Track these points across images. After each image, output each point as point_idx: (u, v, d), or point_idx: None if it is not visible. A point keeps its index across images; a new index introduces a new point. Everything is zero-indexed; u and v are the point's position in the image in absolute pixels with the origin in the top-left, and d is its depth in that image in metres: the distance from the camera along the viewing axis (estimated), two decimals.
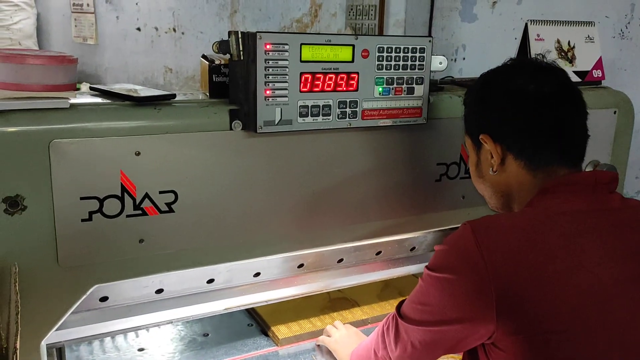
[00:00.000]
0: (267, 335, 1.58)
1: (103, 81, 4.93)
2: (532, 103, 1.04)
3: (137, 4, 4.69)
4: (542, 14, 2.45)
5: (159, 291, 1.33)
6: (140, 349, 1.49)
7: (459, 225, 1.33)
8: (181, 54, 4.42)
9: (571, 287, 0.90)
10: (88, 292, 1.11)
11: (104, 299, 1.28)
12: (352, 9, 3.05)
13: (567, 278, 0.90)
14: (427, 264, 1.02)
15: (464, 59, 2.81)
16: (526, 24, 1.63)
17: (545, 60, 1.11)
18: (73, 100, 1.06)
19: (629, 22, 2.25)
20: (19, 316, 0.78)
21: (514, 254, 0.92)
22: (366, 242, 1.50)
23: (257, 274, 1.45)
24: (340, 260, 1.57)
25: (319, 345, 1.53)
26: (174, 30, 4.43)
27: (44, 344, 1.11)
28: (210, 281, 1.39)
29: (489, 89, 1.11)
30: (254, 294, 1.47)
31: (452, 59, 2.87)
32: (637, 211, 1.03)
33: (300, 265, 1.50)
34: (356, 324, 1.61)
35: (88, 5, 4.90)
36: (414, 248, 1.66)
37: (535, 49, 1.63)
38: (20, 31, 4.94)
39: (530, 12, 2.51)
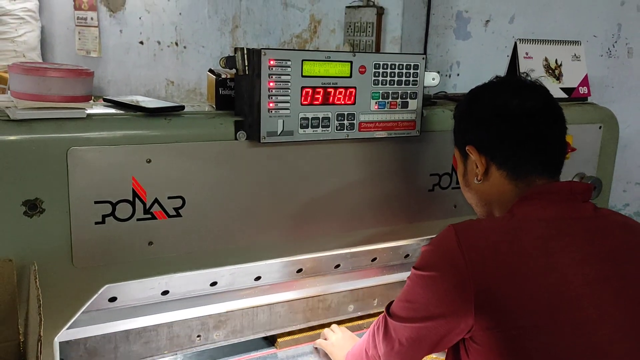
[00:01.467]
0: (266, 338, 1.64)
1: (106, 93, 5.03)
2: (515, 117, 1.11)
3: (140, 18, 4.79)
4: (532, 32, 2.54)
5: (165, 292, 1.40)
6: None
7: None
8: (183, 68, 4.51)
9: (544, 285, 0.97)
10: (99, 292, 1.18)
11: (112, 299, 1.35)
12: (350, 26, 3.14)
13: (540, 277, 0.97)
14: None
15: (458, 75, 2.90)
16: (515, 43, 1.71)
17: (529, 78, 1.18)
18: (89, 111, 1.13)
19: (615, 42, 2.34)
20: (41, 308, 0.85)
21: (493, 254, 0.99)
22: (362, 249, 1.57)
23: (258, 278, 1.52)
24: (337, 266, 1.64)
25: (316, 348, 1.59)
26: (176, 44, 4.53)
27: (57, 340, 1.17)
28: (214, 284, 1.45)
29: (475, 103, 1.19)
30: (254, 297, 1.54)
31: (446, 75, 2.96)
32: (607, 219, 1.11)
33: (299, 270, 1.56)
34: (352, 328, 1.67)
35: (92, 19, 4.99)
36: (407, 255, 1.73)
37: (524, 66, 1.71)
38: (25, 43, 5.03)
39: (522, 31, 2.61)
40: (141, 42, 4.82)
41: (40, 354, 0.79)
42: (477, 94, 1.20)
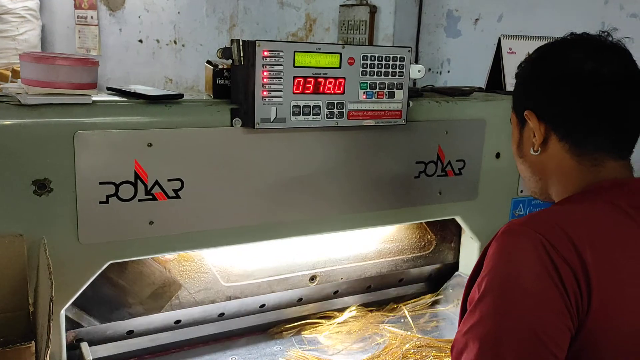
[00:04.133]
0: None
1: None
2: (588, 83, 0.95)
3: (139, 17, 4.86)
4: (520, 30, 2.62)
5: (177, 322, 1.51)
6: None
7: (436, 218, 1.47)
8: (181, 66, 4.59)
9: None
10: (103, 267, 1.25)
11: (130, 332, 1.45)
12: (344, 24, 3.23)
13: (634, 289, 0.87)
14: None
15: (448, 72, 2.98)
16: (499, 39, 1.79)
17: (610, 38, 0.99)
18: (95, 97, 1.21)
19: None
20: (52, 274, 0.92)
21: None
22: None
23: (262, 306, 1.62)
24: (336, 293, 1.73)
25: None
26: (175, 42, 4.60)
27: (63, 312, 1.25)
28: (221, 315, 1.56)
29: (541, 63, 1.02)
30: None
31: (437, 72, 3.05)
32: None
33: (300, 300, 1.67)
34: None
35: (92, 17, 5.07)
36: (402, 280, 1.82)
37: (507, 61, 1.80)
38: (26, 42, 5.10)
39: (510, 29, 2.69)
40: (140, 41, 4.90)
41: (52, 312, 0.87)
42: (545, 51, 1.03)
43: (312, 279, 1.64)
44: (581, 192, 0.96)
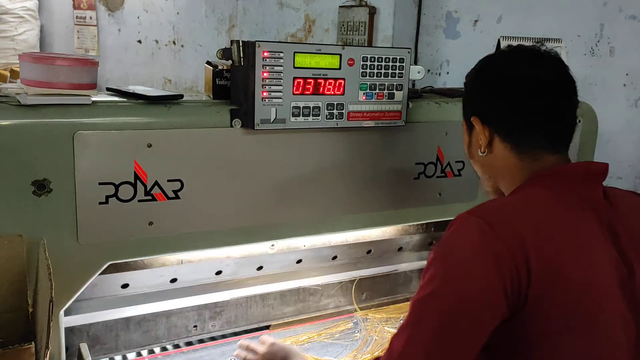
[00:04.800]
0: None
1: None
2: (524, 87, 1.05)
3: (138, 17, 4.86)
4: (519, 32, 2.63)
5: (173, 280, 1.49)
6: None
7: (436, 220, 1.48)
8: (180, 66, 4.59)
9: (572, 278, 0.93)
10: (102, 268, 1.25)
11: (125, 285, 1.44)
12: (343, 25, 3.23)
13: (568, 267, 0.93)
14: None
15: (447, 73, 2.99)
16: (499, 40, 1.79)
17: (543, 47, 1.10)
18: (94, 98, 1.21)
19: (598, 41, 2.43)
20: (51, 275, 0.92)
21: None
22: (359, 240, 1.67)
23: (260, 268, 1.60)
24: (335, 257, 1.72)
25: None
26: (174, 43, 4.60)
27: (62, 313, 1.25)
28: (219, 273, 1.54)
29: (483, 72, 1.13)
30: (256, 286, 1.64)
31: (437, 73, 3.05)
32: (625, 200, 1.07)
33: (299, 261, 1.65)
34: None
35: (91, 18, 5.06)
36: (401, 248, 1.82)
37: None
38: (24, 42, 5.09)
39: (509, 31, 2.69)
40: (139, 41, 4.90)
41: (52, 313, 0.87)
42: (485, 63, 1.14)
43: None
44: (523, 183, 1.07)
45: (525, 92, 1.05)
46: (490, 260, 0.89)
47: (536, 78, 1.05)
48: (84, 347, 1.38)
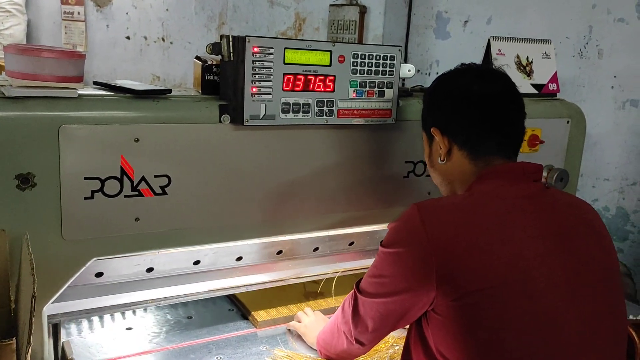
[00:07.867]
0: (246, 319, 1.70)
1: None
2: (476, 100, 1.19)
3: (127, 13, 4.82)
4: (508, 33, 2.63)
5: (150, 270, 1.46)
6: (128, 328, 1.59)
7: None
8: (169, 63, 4.56)
9: (499, 258, 1.05)
10: (87, 265, 1.23)
11: (99, 274, 1.40)
12: (333, 24, 3.22)
13: (496, 249, 1.05)
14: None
15: (437, 73, 2.98)
16: (489, 40, 1.80)
17: (493, 66, 1.26)
18: (81, 91, 1.19)
19: (587, 43, 2.44)
20: (34, 270, 0.90)
21: (453, 229, 1.07)
22: (340, 232, 1.64)
23: (239, 258, 1.58)
24: (316, 249, 1.70)
25: (289, 330, 1.65)
26: (163, 39, 4.57)
27: (45, 309, 1.22)
28: (197, 262, 1.51)
29: (440, 88, 1.27)
30: (235, 277, 1.60)
31: (426, 73, 3.05)
32: (555, 197, 1.20)
33: (279, 252, 1.63)
34: (327, 311, 1.73)
35: (79, 13, 5.02)
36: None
37: (497, 63, 1.80)
38: (11, 37, 5.04)
39: (498, 32, 2.70)
40: (128, 37, 4.86)
41: (34, 309, 0.85)
42: (441, 79, 1.28)
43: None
44: (471, 183, 1.19)
45: (476, 104, 1.18)
46: (416, 246, 1.06)
47: (487, 92, 1.19)
48: (68, 345, 1.36)
